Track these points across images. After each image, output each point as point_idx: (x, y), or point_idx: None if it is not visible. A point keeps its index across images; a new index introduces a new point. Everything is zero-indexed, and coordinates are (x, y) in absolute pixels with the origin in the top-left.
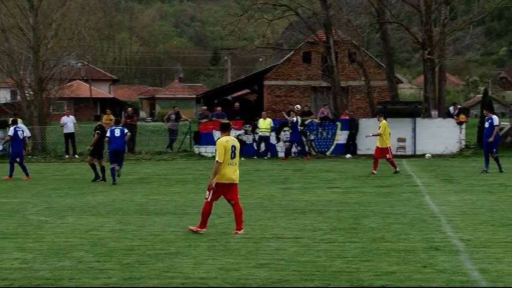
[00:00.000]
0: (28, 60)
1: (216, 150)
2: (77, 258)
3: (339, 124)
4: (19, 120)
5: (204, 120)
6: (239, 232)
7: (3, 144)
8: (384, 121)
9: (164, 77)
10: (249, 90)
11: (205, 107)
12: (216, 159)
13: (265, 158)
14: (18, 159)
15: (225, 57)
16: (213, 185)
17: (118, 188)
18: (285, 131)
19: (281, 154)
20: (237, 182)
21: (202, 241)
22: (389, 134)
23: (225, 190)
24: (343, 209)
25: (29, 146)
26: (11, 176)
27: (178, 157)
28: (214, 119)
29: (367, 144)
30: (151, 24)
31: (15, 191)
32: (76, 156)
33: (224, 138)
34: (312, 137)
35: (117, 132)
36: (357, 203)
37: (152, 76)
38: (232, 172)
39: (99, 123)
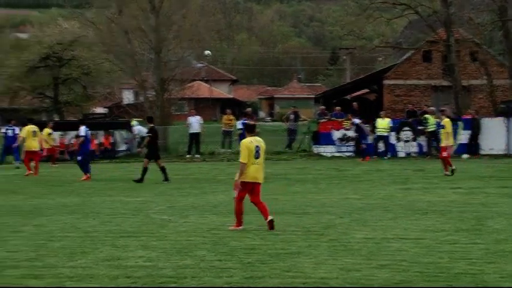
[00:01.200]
0: (150, 62)
1: (240, 151)
2: (199, 256)
3: (460, 124)
4: (134, 122)
5: (323, 120)
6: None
7: (137, 144)
8: (447, 119)
9: (283, 77)
10: (368, 90)
11: (324, 107)
12: (240, 160)
13: (385, 158)
14: (80, 158)
15: (344, 57)
16: (239, 184)
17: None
18: (404, 130)
19: (401, 154)
20: (261, 181)
21: (322, 241)
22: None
23: (249, 189)
24: (466, 209)
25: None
26: (87, 173)
27: (297, 157)
28: (333, 118)
29: (489, 144)
30: (270, 25)
31: (139, 190)
32: (197, 156)
33: (248, 139)
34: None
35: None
36: (480, 204)
37: (271, 76)
38: (256, 171)
39: (151, 125)
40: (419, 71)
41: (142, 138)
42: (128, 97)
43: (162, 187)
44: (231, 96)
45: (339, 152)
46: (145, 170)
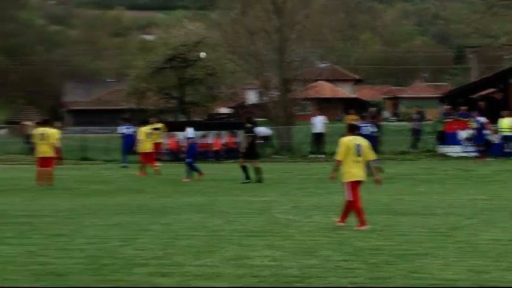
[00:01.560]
0: (273, 62)
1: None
2: (324, 256)
3: None
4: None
5: (448, 120)
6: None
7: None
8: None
9: (407, 77)
10: (495, 89)
11: (449, 106)
12: (336, 157)
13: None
14: (189, 160)
15: (470, 56)
16: (332, 180)
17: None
18: None
19: None
20: (363, 179)
21: (449, 242)
22: None
23: (358, 186)
24: None
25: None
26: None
27: (422, 157)
28: (459, 118)
29: None
30: (394, 24)
31: (263, 190)
32: (321, 155)
33: (347, 138)
34: None
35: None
36: None
37: (395, 75)
38: (358, 169)
39: (250, 125)
40: None
41: (264, 137)
42: (251, 97)
43: (286, 187)
44: (354, 96)
45: (465, 152)
46: (244, 168)
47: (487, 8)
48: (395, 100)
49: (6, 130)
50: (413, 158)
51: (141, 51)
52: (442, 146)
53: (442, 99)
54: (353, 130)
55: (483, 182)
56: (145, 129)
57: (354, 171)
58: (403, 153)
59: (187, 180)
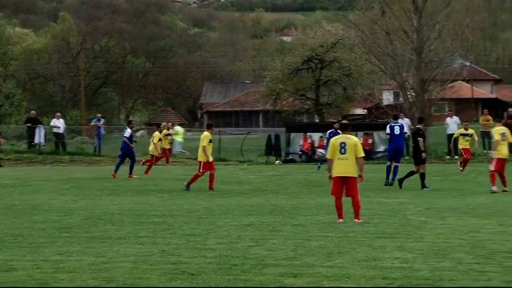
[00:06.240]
0: (411, 62)
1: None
2: (456, 259)
3: None
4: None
5: None
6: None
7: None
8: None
9: None
10: None
11: None
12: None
13: None
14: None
15: None
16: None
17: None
18: None
19: None
20: (350, 175)
21: None
22: None
23: (342, 183)
24: None
25: None
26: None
27: None
28: None
29: None
30: None
31: (397, 192)
32: (456, 157)
33: (335, 137)
34: None
35: (397, 130)
36: None
37: None
38: (342, 166)
39: (418, 126)
40: None
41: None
42: (387, 98)
43: (419, 189)
44: (493, 96)
45: None
46: (422, 175)
47: None
48: None
49: (144, 131)
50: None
51: (278, 53)
52: None
53: None
54: (344, 129)
55: None
56: (158, 134)
57: (338, 168)
58: None
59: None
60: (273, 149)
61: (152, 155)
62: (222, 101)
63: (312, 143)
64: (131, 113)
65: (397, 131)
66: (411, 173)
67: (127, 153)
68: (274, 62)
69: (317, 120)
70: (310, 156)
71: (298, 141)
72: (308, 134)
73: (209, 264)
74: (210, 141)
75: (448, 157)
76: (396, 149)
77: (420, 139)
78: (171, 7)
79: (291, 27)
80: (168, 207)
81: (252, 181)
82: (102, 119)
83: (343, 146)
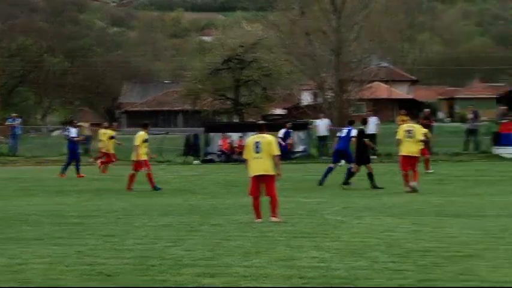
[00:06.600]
0: (329, 63)
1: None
2: (372, 258)
3: None
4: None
5: (504, 121)
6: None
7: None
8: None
9: (465, 77)
10: None
11: (505, 107)
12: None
13: None
14: None
15: None
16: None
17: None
18: None
19: None
20: (266, 173)
21: (500, 244)
22: None
23: (258, 182)
24: None
25: None
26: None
27: (476, 158)
28: None
29: None
30: (454, 24)
31: (315, 191)
32: (374, 156)
33: (251, 137)
34: None
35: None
36: None
37: (452, 76)
38: (258, 165)
39: (362, 127)
40: None
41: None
42: (306, 98)
43: (339, 188)
44: (410, 96)
45: None
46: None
47: None
48: (451, 101)
49: (60, 131)
50: (467, 159)
51: (198, 53)
52: (497, 147)
53: (499, 100)
54: (260, 129)
55: None
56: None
57: (254, 167)
58: (456, 154)
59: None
60: (191, 149)
61: (104, 153)
62: (141, 101)
63: (231, 143)
64: (48, 113)
65: (344, 133)
66: (351, 174)
67: (73, 152)
68: (194, 62)
69: (236, 120)
70: (229, 156)
71: (217, 141)
72: (227, 134)
73: (126, 265)
74: (146, 140)
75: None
76: (340, 150)
77: (367, 140)
78: (90, 6)
79: (211, 27)
80: (86, 208)
81: (171, 181)
82: (19, 119)
83: (257, 146)
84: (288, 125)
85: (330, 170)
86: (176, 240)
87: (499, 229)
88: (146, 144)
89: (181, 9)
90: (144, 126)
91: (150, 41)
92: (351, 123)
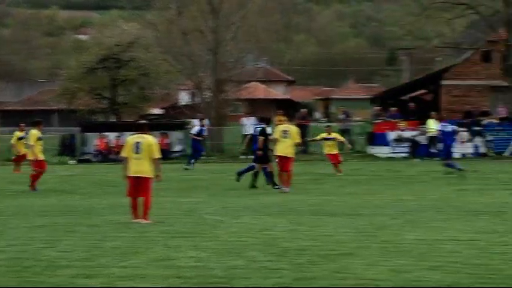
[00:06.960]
0: (207, 63)
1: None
2: (249, 257)
3: None
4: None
5: (377, 121)
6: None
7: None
8: None
9: (340, 78)
10: (426, 91)
11: (379, 107)
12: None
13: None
14: None
15: (402, 58)
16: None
17: (292, 189)
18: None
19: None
20: (144, 175)
21: (374, 242)
22: None
23: (136, 182)
24: None
25: None
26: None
27: (350, 158)
28: (388, 119)
29: None
30: (329, 25)
31: (193, 191)
32: (252, 156)
33: (131, 136)
34: (490, 138)
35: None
36: None
37: (328, 77)
38: (136, 166)
39: (264, 126)
40: (478, 71)
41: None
42: (184, 98)
43: (216, 188)
44: (287, 97)
45: (393, 153)
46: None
47: (421, 10)
48: (327, 101)
49: None
50: (343, 159)
51: (74, 51)
52: (371, 146)
53: (373, 100)
54: (140, 129)
55: (410, 183)
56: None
57: (132, 168)
58: None
59: None
60: (67, 148)
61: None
62: (15, 100)
63: (108, 143)
64: None
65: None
66: (271, 174)
67: None
68: (70, 61)
69: (114, 120)
70: (106, 156)
71: (94, 141)
72: (104, 133)
73: None
74: (40, 139)
75: (243, 157)
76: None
77: (269, 137)
78: None
79: (87, 25)
80: None
81: (46, 181)
82: None
83: (138, 146)
84: (204, 121)
85: (251, 168)
86: (51, 241)
87: (373, 227)
88: (41, 142)
89: (56, 7)
90: (36, 124)
91: (24, 39)
92: (263, 120)
